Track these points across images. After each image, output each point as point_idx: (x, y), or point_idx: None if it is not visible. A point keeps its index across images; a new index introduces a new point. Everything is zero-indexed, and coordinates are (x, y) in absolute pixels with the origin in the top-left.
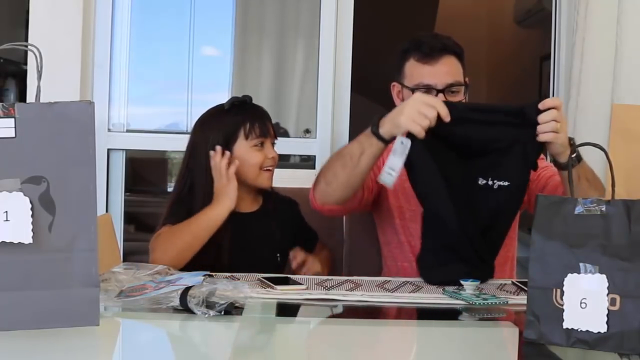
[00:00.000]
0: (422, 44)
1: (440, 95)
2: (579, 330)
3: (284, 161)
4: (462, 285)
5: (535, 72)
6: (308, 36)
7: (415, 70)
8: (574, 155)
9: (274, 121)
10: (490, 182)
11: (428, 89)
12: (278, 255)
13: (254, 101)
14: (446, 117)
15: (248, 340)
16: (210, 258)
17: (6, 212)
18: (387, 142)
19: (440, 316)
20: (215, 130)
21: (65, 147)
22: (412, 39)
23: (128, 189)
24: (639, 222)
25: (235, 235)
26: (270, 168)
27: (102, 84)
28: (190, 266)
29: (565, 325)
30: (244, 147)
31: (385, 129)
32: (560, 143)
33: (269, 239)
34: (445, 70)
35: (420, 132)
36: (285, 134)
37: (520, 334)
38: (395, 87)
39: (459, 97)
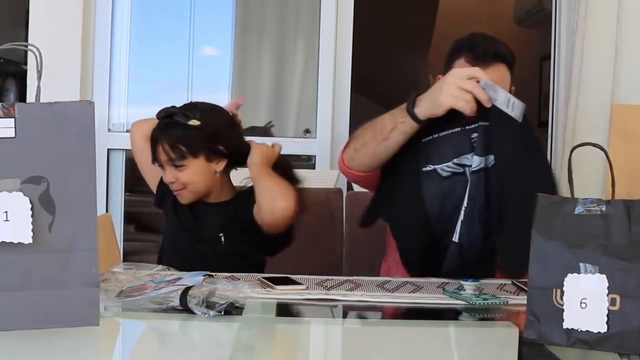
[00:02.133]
0: (477, 46)
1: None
2: (579, 330)
3: None
4: (462, 285)
5: (535, 72)
6: (308, 36)
7: None
8: None
9: (272, 119)
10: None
11: None
12: (221, 235)
13: (256, 101)
14: (486, 102)
15: (248, 340)
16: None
17: (6, 212)
18: (422, 122)
19: (440, 316)
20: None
21: (65, 147)
22: (468, 37)
23: (128, 189)
24: (639, 222)
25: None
26: (175, 189)
27: (102, 84)
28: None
29: (565, 325)
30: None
31: (422, 108)
32: None
33: (211, 219)
34: (493, 78)
35: (465, 108)
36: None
37: (520, 334)
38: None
39: None
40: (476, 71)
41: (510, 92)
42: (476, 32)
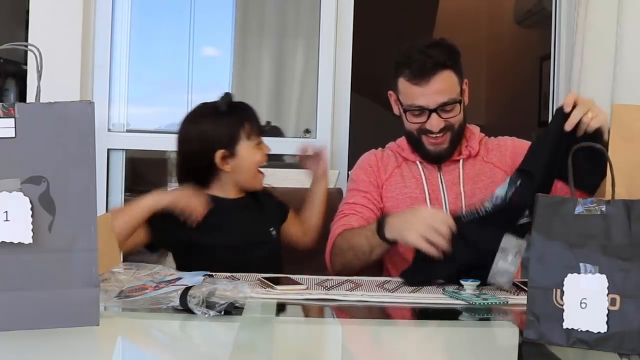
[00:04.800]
0: (413, 63)
1: (435, 115)
2: (579, 330)
3: (282, 161)
4: (462, 285)
5: (535, 72)
6: (308, 36)
7: (408, 91)
8: None
9: (272, 119)
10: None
11: (421, 110)
12: (272, 229)
13: (256, 101)
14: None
15: (248, 340)
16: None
17: (6, 212)
18: (395, 243)
19: (440, 316)
20: (215, 133)
21: (65, 147)
22: (403, 53)
23: (128, 189)
24: (639, 222)
25: (220, 216)
26: (262, 169)
27: (102, 84)
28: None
29: (565, 325)
30: (246, 146)
31: (391, 235)
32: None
33: (257, 216)
34: (437, 90)
35: (432, 251)
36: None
37: (520, 334)
38: (392, 96)
39: (454, 112)
40: (442, 222)
41: (461, 95)
42: (414, 43)
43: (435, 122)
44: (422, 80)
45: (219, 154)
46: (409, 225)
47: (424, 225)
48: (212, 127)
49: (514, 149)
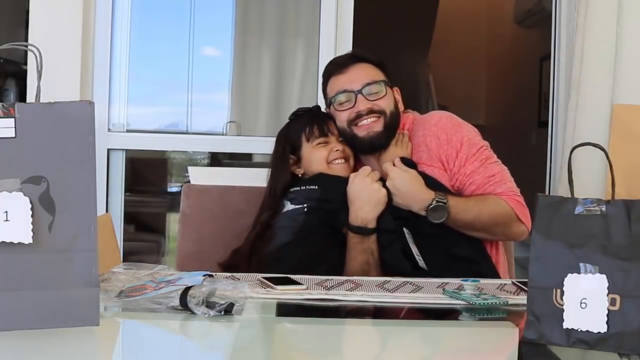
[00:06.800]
0: (334, 60)
1: (361, 96)
2: (579, 330)
3: None
4: (462, 285)
5: (535, 72)
6: (308, 36)
7: (334, 83)
8: None
9: (272, 119)
10: None
11: (347, 95)
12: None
13: (256, 101)
14: None
15: (248, 340)
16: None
17: (6, 212)
18: (375, 229)
19: (440, 316)
20: (283, 141)
21: (65, 147)
22: (327, 64)
23: (128, 189)
24: (639, 222)
25: None
26: (339, 162)
27: (102, 84)
28: None
29: (565, 325)
30: (308, 148)
31: (369, 217)
32: None
33: None
34: (360, 73)
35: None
36: None
37: (520, 333)
38: (330, 109)
39: (380, 95)
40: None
41: (395, 94)
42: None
43: (361, 102)
44: (344, 68)
45: (291, 161)
46: (365, 200)
47: (365, 186)
48: (281, 137)
49: (438, 121)
